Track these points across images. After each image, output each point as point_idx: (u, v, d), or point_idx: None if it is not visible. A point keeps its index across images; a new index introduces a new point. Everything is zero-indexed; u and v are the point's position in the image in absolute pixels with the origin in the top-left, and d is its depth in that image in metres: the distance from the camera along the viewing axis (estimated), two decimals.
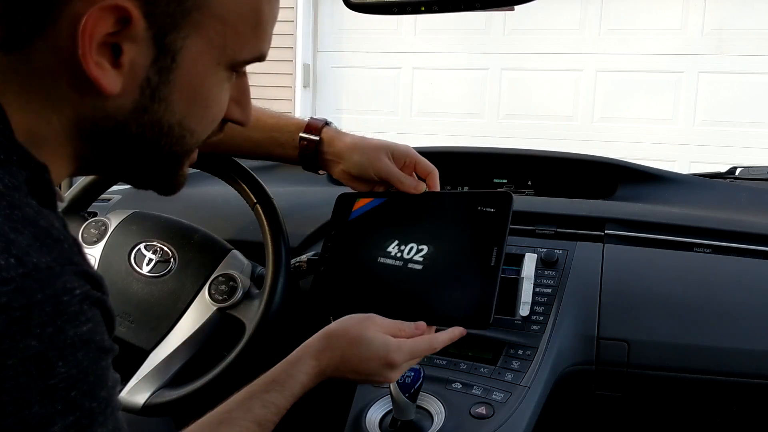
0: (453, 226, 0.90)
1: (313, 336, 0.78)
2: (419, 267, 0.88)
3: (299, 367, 0.74)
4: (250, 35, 0.57)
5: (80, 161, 0.57)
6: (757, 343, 1.00)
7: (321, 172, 1.01)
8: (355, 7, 0.86)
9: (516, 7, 0.80)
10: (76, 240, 0.49)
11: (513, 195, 0.90)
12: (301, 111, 4.54)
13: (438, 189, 0.96)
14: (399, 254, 0.90)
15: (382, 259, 0.91)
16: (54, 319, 0.43)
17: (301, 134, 0.97)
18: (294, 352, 0.77)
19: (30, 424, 0.42)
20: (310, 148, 0.97)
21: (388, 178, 0.94)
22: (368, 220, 0.96)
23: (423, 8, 0.80)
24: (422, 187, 0.94)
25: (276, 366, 0.74)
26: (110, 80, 0.51)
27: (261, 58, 0.59)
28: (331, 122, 0.99)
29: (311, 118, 0.99)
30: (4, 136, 0.49)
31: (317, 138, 0.96)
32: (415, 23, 4.33)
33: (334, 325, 0.79)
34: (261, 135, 0.99)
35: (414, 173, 0.97)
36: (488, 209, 0.89)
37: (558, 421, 1.07)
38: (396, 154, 0.95)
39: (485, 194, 0.91)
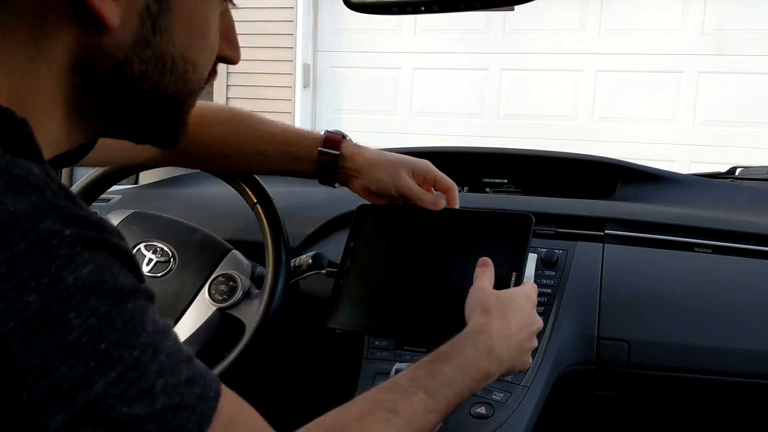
0: (472, 246, 0.90)
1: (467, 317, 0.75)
2: (435, 284, 0.88)
3: (466, 341, 0.70)
4: None
5: (74, 119, 0.52)
6: (757, 343, 1.00)
7: (336, 185, 0.99)
8: (355, 7, 0.86)
9: (516, 7, 0.80)
10: (64, 186, 0.43)
11: (533, 218, 0.89)
12: (301, 111, 4.55)
13: (458, 205, 0.96)
14: (416, 270, 0.91)
15: (400, 274, 0.91)
16: (47, 266, 0.38)
17: (320, 148, 0.94)
18: (465, 330, 0.73)
19: (63, 388, 0.38)
20: (329, 162, 0.95)
21: (408, 195, 0.93)
22: (387, 233, 0.96)
23: (423, 8, 0.80)
24: (442, 204, 0.93)
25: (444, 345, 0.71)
26: (110, 11, 0.47)
27: None
28: (347, 135, 0.97)
29: (327, 132, 0.97)
30: None
31: (337, 152, 0.94)
32: (415, 23, 4.33)
33: (472, 301, 0.76)
34: (274, 149, 0.96)
35: (433, 189, 0.96)
36: (508, 231, 0.88)
37: (558, 421, 1.07)
38: (416, 170, 0.94)
39: (506, 215, 0.91)
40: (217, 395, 0.46)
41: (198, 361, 0.47)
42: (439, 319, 0.85)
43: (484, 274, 0.80)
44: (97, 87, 0.51)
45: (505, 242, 0.87)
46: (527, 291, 0.81)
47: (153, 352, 0.42)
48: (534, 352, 0.90)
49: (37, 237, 0.39)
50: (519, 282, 0.83)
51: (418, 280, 0.90)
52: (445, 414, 0.65)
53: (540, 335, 0.99)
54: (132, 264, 0.45)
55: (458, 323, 0.77)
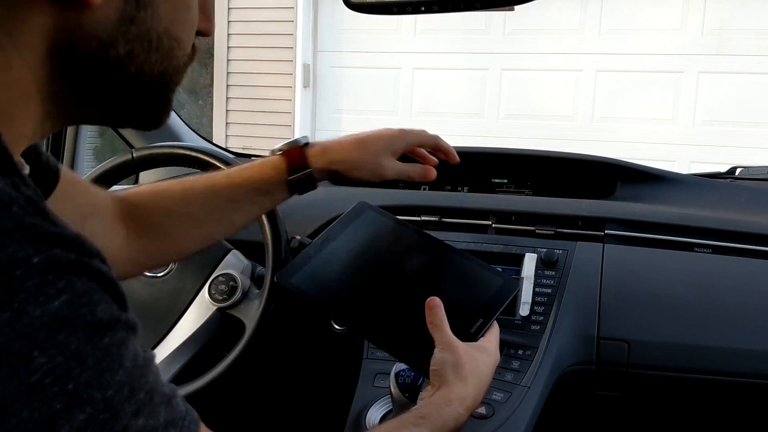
0: (453, 279, 0.89)
1: (441, 378, 0.72)
2: (400, 295, 0.86)
3: (448, 410, 0.69)
4: None
5: (51, 108, 0.48)
6: (757, 343, 1.00)
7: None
8: (355, 7, 0.86)
9: (516, 7, 0.80)
10: (33, 198, 0.39)
11: (518, 284, 0.90)
12: (301, 111, 4.55)
13: (457, 160, 0.95)
14: (386, 276, 0.89)
15: (369, 275, 0.89)
16: (8, 300, 0.34)
17: (289, 178, 0.86)
18: (438, 392, 0.70)
19: None
20: (306, 184, 0.87)
21: (396, 178, 0.91)
22: (374, 237, 0.93)
23: (423, 8, 0.80)
24: (433, 174, 0.92)
25: (423, 404, 0.70)
26: None
27: None
28: (306, 141, 0.89)
29: (284, 149, 0.88)
30: None
31: (309, 169, 0.86)
32: (415, 23, 4.33)
33: (447, 356, 0.73)
34: (240, 192, 0.87)
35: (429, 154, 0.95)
36: (492, 285, 0.87)
37: (558, 421, 1.07)
38: (396, 149, 0.90)
39: (495, 274, 0.89)
40: None
41: (179, 399, 0.43)
42: (392, 328, 0.82)
43: (443, 321, 0.76)
44: (77, 73, 0.47)
45: (484, 291, 0.86)
46: (492, 350, 0.78)
47: (130, 390, 0.38)
48: (524, 359, 0.94)
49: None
50: (480, 331, 0.80)
51: (383, 283, 0.88)
52: None
53: (540, 335, 0.99)
54: (114, 290, 0.41)
55: (410, 343, 0.78)
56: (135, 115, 0.54)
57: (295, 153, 0.87)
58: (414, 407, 0.70)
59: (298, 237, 1.08)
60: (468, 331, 0.80)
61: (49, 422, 0.35)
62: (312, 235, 1.22)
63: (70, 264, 0.37)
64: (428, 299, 0.77)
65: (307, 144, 0.88)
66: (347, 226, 0.94)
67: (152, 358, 0.42)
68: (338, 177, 0.89)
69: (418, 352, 0.77)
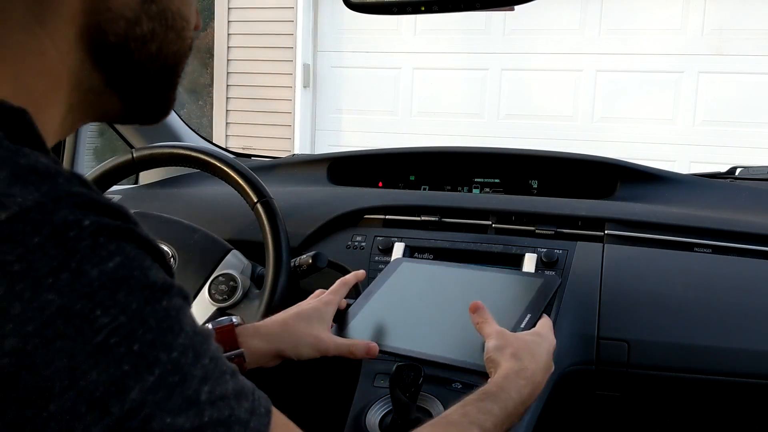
0: (495, 291, 0.92)
1: (495, 363, 0.74)
2: (448, 327, 0.89)
3: (507, 383, 0.70)
4: None
5: (75, 102, 0.48)
6: (757, 343, 1.00)
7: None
8: (355, 7, 0.86)
9: (516, 7, 0.80)
10: (76, 174, 0.39)
11: (559, 279, 0.94)
12: (301, 111, 4.55)
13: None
14: (432, 316, 0.92)
15: (414, 318, 0.92)
16: (66, 260, 0.34)
17: None
18: (495, 375, 0.72)
19: (95, 396, 0.34)
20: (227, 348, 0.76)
21: (339, 354, 0.82)
22: (412, 284, 0.98)
23: (423, 8, 0.80)
24: (375, 348, 0.83)
25: (483, 387, 0.70)
26: None
27: None
28: (233, 321, 0.80)
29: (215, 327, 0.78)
30: None
31: (241, 350, 0.76)
32: (415, 23, 4.33)
33: (500, 343, 0.76)
34: None
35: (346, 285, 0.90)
36: (534, 283, 0.91)
37: (558, 421, 1.07)
38: (324, 317, 0.84)
39: (533, 274, 0.96)
40: (268, 412, 0.43)
41: (242, 376, 0.43)
42: (445, 346, 0.86)
43: (488, 317, 0.80)
44: (106, 55, 0.47)
45: (528, 292, 0.90)
46: (544, 333, 0.81)
47: (194, 355, 0.38)
48: None
49: (52, 229, 0.35)
50: (532, 324, 0.84)
51: (431, 323, 0.91)
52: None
53: None
54: (162, 259, 0.41)
55: (463, 350, 0.82)
56: (148, 103, 0.54)
57: (225, 333, 0.77)
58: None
59: (309, 260, 1.06)
60: (519, 327, 0.84)
61: (118, 384, 0.35)
62: (312, 235, 1.22)
63: (119, 229, 0.38)
64: (470, 304, 0.81)
65: (237, 324, 0.80)
66: (385, 281, 0.98)
67: (210, 331, 0.42)
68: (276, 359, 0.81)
69: (472, 353, 0.81)
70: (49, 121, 0.45)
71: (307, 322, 0.82)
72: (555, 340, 0.82)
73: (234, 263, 1.08)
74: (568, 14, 4.07)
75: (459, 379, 0.95)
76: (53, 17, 0.44)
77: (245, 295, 1.04)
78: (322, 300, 0.86)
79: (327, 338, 0.82)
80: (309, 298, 0.89)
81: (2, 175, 0.35)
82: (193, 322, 0.40)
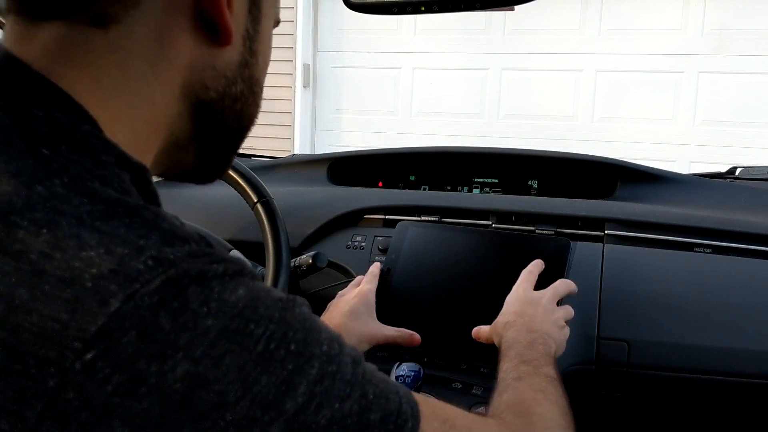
0: (508, 265, 0.98)
1: (505, 329, 0.82)
2: (469, 300, 0.97)
3: (514, 335, 0.78)
4: None
5: (160, 154, 0.50)
6: (757, 343, 1.00)
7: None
8: (355, 7, 0.86)
9: (516, 7, 0.80)
10: (201, 235, 0.43)
11: (571, 243, 1.00)
12: (301, 111, 4.55)
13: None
14: (451, 285, 1.00)
15: (436, 287, 1.00)
16: (209, 294, 0.39)
17: None
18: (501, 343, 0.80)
19: (269, 399, 0.38)
20: None
21: (387, 342, 0.90)
22: (426, 249, 1.05)
23: (423, 8, 0.80)
24: (417, 338, 0.91)
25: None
26: (231, 25, 0.48)
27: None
28: None
29: None
30: (96, 137, 0.42)
31: None
32: (415, 23, 4.33)
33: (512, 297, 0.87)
34: None
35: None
36: (545, 255, 0.96)
37: None
38: (366, 308, 0.91)
39: (544, 239, 1.03)
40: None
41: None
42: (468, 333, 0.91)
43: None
44: (203, 109, 0.50)
45: (539, 255, 0.96)
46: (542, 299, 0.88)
47: (339, 345, 0.43)
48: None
49: (198, 270, 0.39)
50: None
51: (452, 295, 0.98)
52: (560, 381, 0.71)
53: None
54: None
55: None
56: (217, 159, 0.56)
57: None
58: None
59: (309, 260, 1.08)
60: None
61: (287, 382, 0.39)
62: (312, 235, 1.22)
63: (237, 272, 0.42)
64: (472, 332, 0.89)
65: None
66: (400, 249, 1.06)
67: (338, 335, 0.46)
68: None
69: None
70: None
71: (361, 319, 0.89)
72: (548, 296, 0.87)
73: None
74: (568, 14, 4.07)
75: (459, 379, 0.95)
76: (167, 68, 0.46)
77: None
78: (363, 291, 0.93)
79: (378, 331, 0.89)
80: (350, 285, 0.98)
81: (153, 239, 0.39)
82: (323, 321, 0.45)
